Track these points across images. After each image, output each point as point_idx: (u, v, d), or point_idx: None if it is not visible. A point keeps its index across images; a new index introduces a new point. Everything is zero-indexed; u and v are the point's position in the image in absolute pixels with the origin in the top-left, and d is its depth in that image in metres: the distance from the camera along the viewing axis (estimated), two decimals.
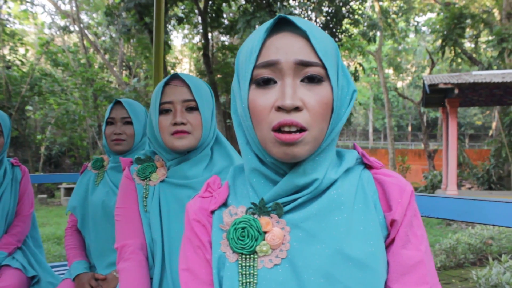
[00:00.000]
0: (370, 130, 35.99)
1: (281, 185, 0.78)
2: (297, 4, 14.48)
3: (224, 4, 14.25)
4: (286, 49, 0.74)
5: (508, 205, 1.15)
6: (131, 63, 20.73)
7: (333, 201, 0.78)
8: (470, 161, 15.93)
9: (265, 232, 0.78)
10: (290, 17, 0.76)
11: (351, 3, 14.09)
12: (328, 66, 0.75)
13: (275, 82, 0.75)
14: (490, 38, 15.49)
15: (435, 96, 12.26)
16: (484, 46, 18.19)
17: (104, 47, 20.05)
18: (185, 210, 0.91)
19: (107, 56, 19.65)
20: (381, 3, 20.54)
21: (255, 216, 0.80)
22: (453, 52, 15.73)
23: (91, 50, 18.91)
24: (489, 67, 14.78)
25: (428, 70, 21.11)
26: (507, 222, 1.16)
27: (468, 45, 19.04)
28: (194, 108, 1.31)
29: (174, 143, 1.28)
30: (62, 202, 11.95)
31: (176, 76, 1.33)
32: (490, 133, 24.84)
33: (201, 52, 15.55)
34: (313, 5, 13.89)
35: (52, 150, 17.30)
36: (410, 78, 34.26)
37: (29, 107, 14.88)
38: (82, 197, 1.89)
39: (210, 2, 14.08)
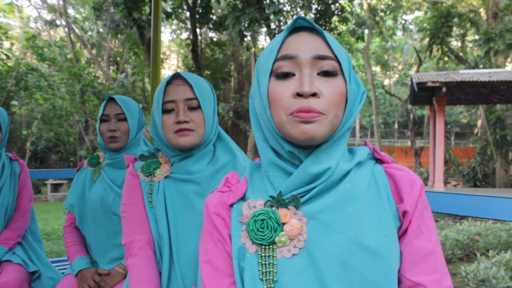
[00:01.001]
0: (357, 127, 36.19)
1: (297, 175, 0.83)
2: (286, 1, 14.49)
3: (212, 0, 14.20)
4: (304, 45, 0.82)
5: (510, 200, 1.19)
6: (118, 59, 20.56)
7: (348, 193, 0.82)
8: (456, 158, 16.16)
9: (283, 224, 0.82)
10: (308, 19, 0.84)
11: (340, 1, 14.14)
12: (342, 61, 0.83)
13: (293, 75, 0.81)
14: (477, 37, 15.69)
15: (423, 94, 12.41)
16: (470, 45, 18.41)
17: (91, 42, 19.84)
18: (204, 204, 0.94)
19: (94, 51, 19.47)
20: (369, 1, 20.66)
21: (273, 208, 0.84)
22: (440, 50, 15.89)
23: (78, 45, 18.72)
24: (476, 66, 14.97)
25: (415, 68, 21.31)
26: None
27: (454, 43, 19.23)
28: (196, 107, 1.33)
29: (178, 141, 1.30)
30: (48, 198, 11.85)
31: (177, 75, 1.35)
32: (476, 131, 25.16)
33: (190, 48, 15.50)
34: (302, 2, 13.91)
35: (38, 145, 17.13)
36: (397, 75, 34.50)
37: (14, 102, 14.70)
38: (80, 195, 1.89)
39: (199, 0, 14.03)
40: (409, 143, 19.61)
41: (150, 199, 1.36)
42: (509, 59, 15.78)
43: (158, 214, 1.34)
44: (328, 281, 0.77)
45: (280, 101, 0.80)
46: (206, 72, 17.97)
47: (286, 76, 0.82)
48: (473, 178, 14.24)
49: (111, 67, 20.73)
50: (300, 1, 13.93)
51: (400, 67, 33.85)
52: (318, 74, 0.81)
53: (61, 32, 21.99)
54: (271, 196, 0.85)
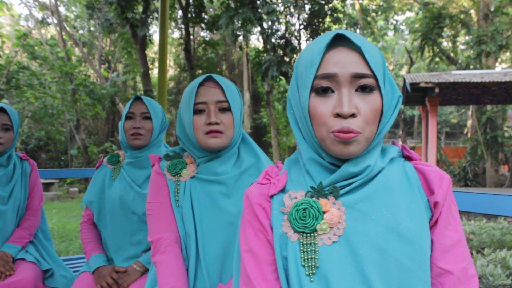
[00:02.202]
0: None
1: (338, 173, 0.88)
2: (280, 1, 14.52)
3: (205, 0, 14.20)
4: (343, 63, 0.85)
5: None
6: (110, 57, 20.44)
7: (383, 185, 0.89)
8: (447, 158, 16.28)
9: (324, 212, 0.87)
10: (346, 33, 0.87)
11: (334, 1, 14.20)
12: (379, 76, 0.86)
13: (332, 91, 0.86)
14: (468, 38, 15.84)
15: (415, 94, 12.49)
16: (461, 46, 18.58)
17: (83, 40, 19.71)
18: (245, 196, 0.98)
19: (85, 50, 19.33)
20: (361, 1, 20.77)
21: (314, 198, 0.90)
22: (431, 51, 16.02)
23: (70, 43, 18.58)
24: (467, 67, 15.11)
25: (406, 68, 21.45)
26: None
27: (446, 44, 19.40)
28: (226, 109, 1.36)
29: (208, 142, 1.33)
30: None
31: (210, 78, 1.38)
32: (465, 131, 25.40)
33: (182, 47, 15.47)
34: (296, 2, 13.96)
35: (29, 144, 17.00)
36: None
37: (5, 101, 14.56)
38: (99, 192, 1.91)
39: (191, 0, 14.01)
40: (400, 142, 19.73)
41: (177, 198, 1.39)
42: (499, 60, 15.95)
43: (185, 213, 1.37)
44: (366, 267, 0.82)
45: (322, 118, 0.85)
46: (199, 71, 17.96)
47: (325, 91, 0.86)
48: (464, 177, 14.37)
49: (103, 66, 20.61)
50: (293, 1, 13.96)
51: (391, 67, 33.98)
52: (355, 90, 0.85)
53: (52, 31, 21.83)
54: (311, 187, 0.90)
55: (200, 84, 1.36)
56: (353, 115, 0.83)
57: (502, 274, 3.79)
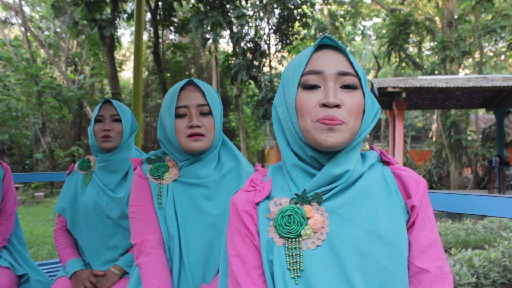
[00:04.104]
0: None
1: (320, 176, 0.92)
2: (249, 5, 14.59)
3: (175, 3, 14.12)
4: (329, 62, 0.92)
5: (497, 198, 1.29)
6: (77, 59, 20.08)
7: (363, 190, 0.93)
8: (413, 161, 16.69)
9: (308, 218, 0.91)
10: (332, 37, 0.94)
11: (303, 6, 14.36)
12: (361, 77, 0.94)
13: (319, 87, 0.91)
14: (433, 44, 16.28)
15: (382, 98, 12.76)
16: (427, 52, 19.06)
17: (49, 42, 19.30)
18: (231, 203, 1.01)
19: (51, 52, 18.94)
20: (329, 6, 21.08)
21: (298, 205, 0.93)
22: (398, 57, 16.40)
23: (35, 44, 18.17)
24: (432, 72, 15.54)
25: (373, 72, 21.86)
26: (496, 212, 1.29)
27: (411, 50, 19.87)
28: (207, 112, 1.39)
29: (190, 145, 1.35)
30: None
31: (191, 82, 1.40)
32: (430, 134, 26.06)
33: (151, 50, 15.33)
34: (265, 7, 14.05)
35: None
36: None
37: None
38: (71, 198, 1.88)
39: (161, 3, 13.90)
40: (368, 146, 20.08)
41: (160, 201, 1.40)
42: (462, 66, 16.44)
43: (168, 215, 1.38)
44: (349, 268, 0.86)
45: (307, 108, 0.89)
46: (167, 74, 17.83)
47: (312, 87, 0.91)
48: (429, 180, 14.76)
49: (69, 68, 20.23)
50: (263, 6, 14.05)
51: None
52: (340, 87, 0.91)
53: (16, 31, 21.29)
54: (296, 194, 0.94)
55: (181, 89, 1.38)
56: (338, 106, 0.88)
57: (467, 273, 3.91)
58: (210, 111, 1.39)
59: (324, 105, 0.88)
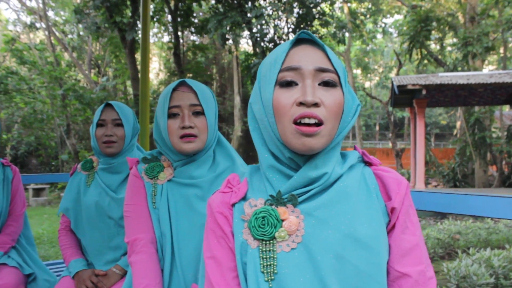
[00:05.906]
0: None
1: (296, 178, 0.89)
2: (268, 4, 14.57)
3: (194, 4, 14.21)
4: (307, 58, 0.88)
5: (490, 198, 1.27)
6: (99, 62, 20.40)
7: (341, 192, 0.90)
8: (436, 159, 16.41)
9: (282, 220, 0.89)
10: (311, 33, 0.91)
11: (322, 5, 14.27)
12: (341, 74, 0.90)
13: (296, 84, 0.88)
14: (455, 40, 15.99)
15: (403, 96, 12.59)
16: (449, 48, 18.74)
17: (72, 45, 19.65)
18: (207, 204, 1.00)
19: (75, 54, 19.29)
20: (349, 4, 20.90)
21: (273, 206, 0.91)
22: (419, 53, 16.15)
23: (59, 48, 18.53)
24: (454, 69, 15.26)
25: (395, 70, 21.59)
26: (491, 213, 1.28)
27: (433, 46, 19.56)
28: (200, 113, 1.40)
29: (182, 146, 1.37)
30: (30, 202, 11.70)
31: (183, 83, 1.42)
32: (455, 132, 25.60)
33: (171, 51, 15.48)
34: (284, 6, 14.01)
35: (19, 150, 16.90)
36: (377, 78, 34.90)
37: None
38: (74, 199, 1.92)
39: (180, 4, 14.01)
40: (390, 144, 19.89)
41: (154, 200, 1.43)
42: (486, 62, 16.11)
43: (161, 215, 1.41)
44: (324, 272, 0.84)
45: (284, 108, 0.86)
46: (188, 75, 17.97)
47: (289, 84, 0.88)
48: (453, 178, 14.48)
49: (92, 70, 20.56)
50: (282, 5, 14.01)
51: (380, 69, 34.24)
52: (319, 84, 0.87)
53: (41, 35, 21.73)
54: (271, 195, 0.92)
55: (174, 89, 1.40)
56: (316, 105, 0.85)
57: (485, 273, 3.85)
58: (203, 111, 1.40)
59: (302, 104, 0.85)
